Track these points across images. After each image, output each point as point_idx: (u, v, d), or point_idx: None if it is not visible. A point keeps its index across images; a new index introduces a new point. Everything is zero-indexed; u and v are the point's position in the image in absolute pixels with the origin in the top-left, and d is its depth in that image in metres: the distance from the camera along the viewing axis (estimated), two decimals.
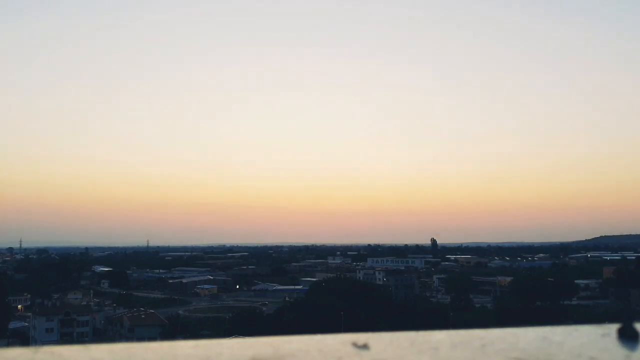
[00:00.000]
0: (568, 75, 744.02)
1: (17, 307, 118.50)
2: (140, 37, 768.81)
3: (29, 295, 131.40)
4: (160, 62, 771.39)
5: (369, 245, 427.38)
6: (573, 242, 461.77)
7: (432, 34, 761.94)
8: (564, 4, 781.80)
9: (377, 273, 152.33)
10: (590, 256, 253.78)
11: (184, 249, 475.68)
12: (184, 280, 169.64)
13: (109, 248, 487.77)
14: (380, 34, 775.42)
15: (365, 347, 1.47)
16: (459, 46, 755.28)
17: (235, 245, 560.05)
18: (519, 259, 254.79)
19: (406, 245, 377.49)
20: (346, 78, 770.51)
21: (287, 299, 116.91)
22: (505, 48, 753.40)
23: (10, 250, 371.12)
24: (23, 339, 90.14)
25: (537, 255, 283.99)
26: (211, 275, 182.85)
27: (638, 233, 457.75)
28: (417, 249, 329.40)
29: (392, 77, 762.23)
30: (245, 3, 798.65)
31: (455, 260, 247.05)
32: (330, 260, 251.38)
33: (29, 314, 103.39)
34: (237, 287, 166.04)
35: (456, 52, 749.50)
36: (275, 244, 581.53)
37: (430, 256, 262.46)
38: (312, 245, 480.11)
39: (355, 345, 1.48)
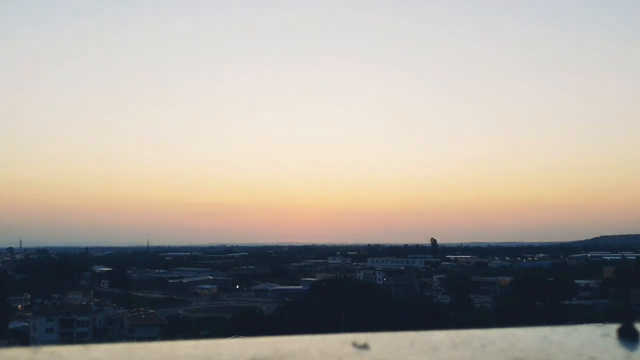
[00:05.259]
0: (570, 73, 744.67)
1: (17, 307, 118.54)
2: (145, 42, 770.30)
3: (29, 295, 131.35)
4: (161, 65, 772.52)
5: (369, 245, 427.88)
6: (573, 242, 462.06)
7: (426, 40, 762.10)
8: (550, 7, 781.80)
9: (377, 273, 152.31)
10: (590, 256, 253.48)
11: (184, 249, 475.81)
12: (184, 280, 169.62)
13: (109, 248, 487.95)
14: (373, 41, 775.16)
15: (365, 347, 1.48)
16: (464, 50, 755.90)
17: (235, 245, 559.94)
18: (519, 259, 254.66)
19: (406, 245, 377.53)
20: (346, 81, 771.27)
21: (287, 299, 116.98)
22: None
23: (10, 250, 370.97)
24: (23, 339, 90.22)
25: (537, 255, 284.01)
26: (211, 276, 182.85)
27: (638, 233, 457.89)
28: (417, 249, 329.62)
29: (391, 80, 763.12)
30: (246, 13, 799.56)
31: (455, 260, 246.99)
32: (330, 260, 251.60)
33: (29, 314, 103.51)
34: (237, 287, 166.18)
35: (458, 55, 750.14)
36: (275, 244, 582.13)
37: (430, 256, 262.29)
38: (312, 245, 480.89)
39: (355, 345, 1.48)
